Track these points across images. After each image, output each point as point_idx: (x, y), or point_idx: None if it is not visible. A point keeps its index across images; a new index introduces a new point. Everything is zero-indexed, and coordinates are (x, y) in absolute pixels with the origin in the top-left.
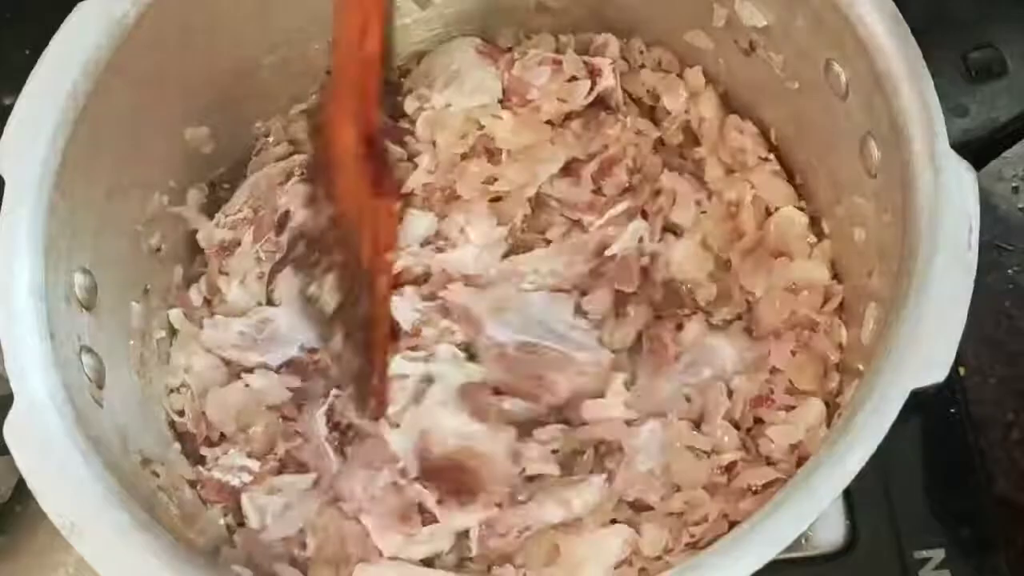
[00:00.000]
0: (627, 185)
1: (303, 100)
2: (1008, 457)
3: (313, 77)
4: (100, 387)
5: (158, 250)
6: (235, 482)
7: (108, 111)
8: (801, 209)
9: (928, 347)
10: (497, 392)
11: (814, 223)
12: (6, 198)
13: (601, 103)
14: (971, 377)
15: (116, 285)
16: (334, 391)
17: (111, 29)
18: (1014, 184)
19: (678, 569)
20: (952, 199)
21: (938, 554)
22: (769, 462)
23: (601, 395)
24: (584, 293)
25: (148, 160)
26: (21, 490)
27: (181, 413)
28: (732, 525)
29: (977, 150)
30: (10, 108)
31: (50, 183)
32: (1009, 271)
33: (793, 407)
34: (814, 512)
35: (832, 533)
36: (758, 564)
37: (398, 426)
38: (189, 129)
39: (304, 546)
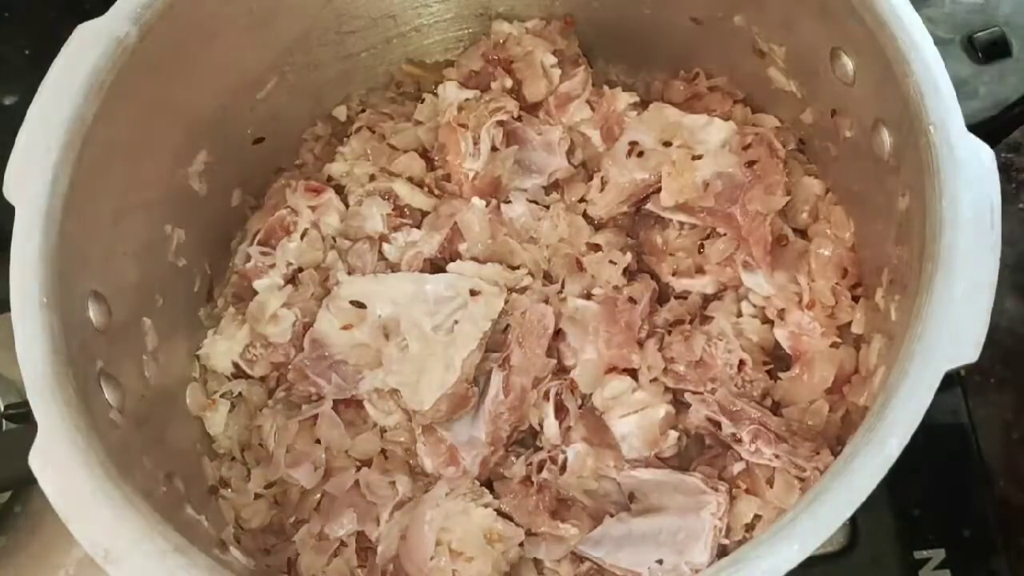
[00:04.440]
0: None
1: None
2: (1008, 457)
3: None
4: (120, 411)
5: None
6: None
7: (112, 133)
8: None
9: (959, 328)
10: None
11: None
12: (17, 225)
13: None
14: (971, 377)
15: (128, 307)
16: None
17: (112, 50)
18: (1014, 185)
19: (720, 564)
20: (971, 180)
21: (938, 554)
22: None
23: None
24: None
25: (153, 181)
26: (21, 492)
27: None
28: None
29: (988, 131)
30: (10, 108)
31: (59, 208)
32: (1009, 270)
33: None
34: (857, 500)
35: (832, 533)
36: (802, 555)
37: None
38: (192, 149)
39: None
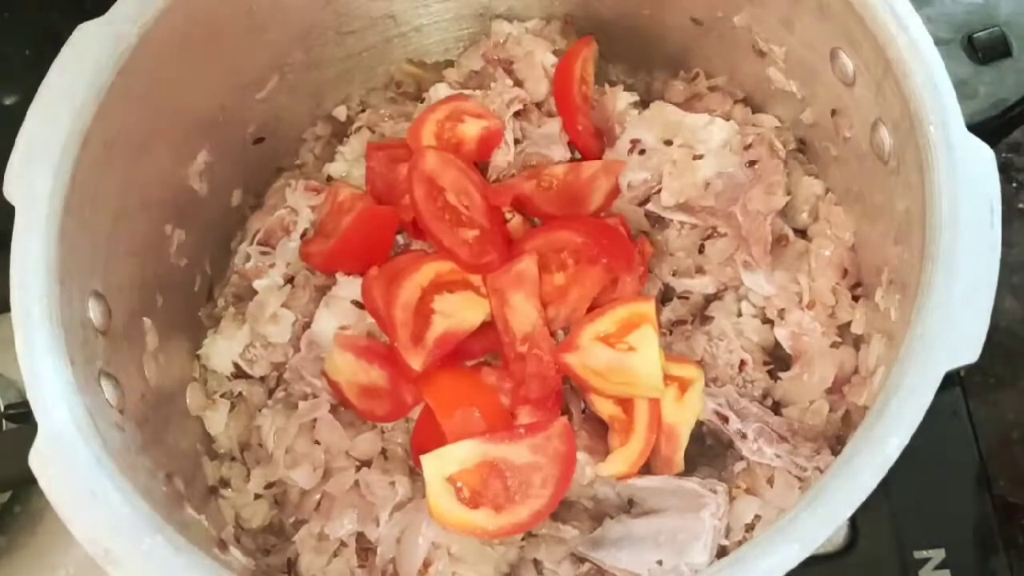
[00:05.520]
0: None
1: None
2: (1008, 457)
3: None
4: (121, 411)
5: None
6: None
7: (112, 133)
8: None
9: (959, 328)
10: None
11: None
12: (17, 225)
13: None
14: (971, 377)
15: (128, 307)
16: None
17: (112, 50)
18: (1014, 185)
19: (720, 564)
20: (971, 179)
21: (938, 554)
22: None
23: None
24: None
25: (153, 181)
26: (21, 492)
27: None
28: None
29: (988, 131)
30: (10, 108)
31: (59, 208)
32: (1009, 270)
33: None
34: (857, 499)
35: (832, 533)
36: (803, 555)
37: None
38: (192, 149)
39: None
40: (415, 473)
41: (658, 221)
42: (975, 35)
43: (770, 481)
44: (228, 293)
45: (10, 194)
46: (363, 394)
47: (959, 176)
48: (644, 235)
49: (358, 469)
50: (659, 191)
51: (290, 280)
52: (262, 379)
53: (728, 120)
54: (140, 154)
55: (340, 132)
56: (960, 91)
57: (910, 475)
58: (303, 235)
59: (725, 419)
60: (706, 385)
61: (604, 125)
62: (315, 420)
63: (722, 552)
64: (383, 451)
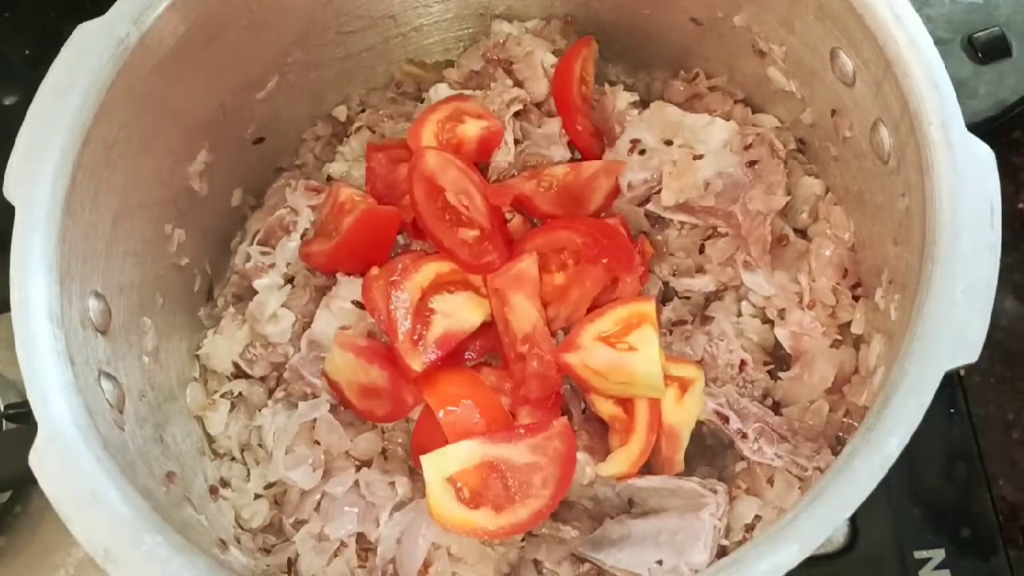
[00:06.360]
0: None
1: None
2: (1008, 457)
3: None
4: (120, 411)
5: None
6: None
7: (112, 133)
8: None
9: (959, 328)
10: None
11: None
12: (17, 225)
13: None
14: (971, 377)
15: (128, 307)
16: None
17: (113, 50)
18: (1013, 185)
19: (720, 564)
20: (971, 180)
21: (938, 554)
22: None
23: None
24: None
25: (153, 181)
26: (21, 492)
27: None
28: None
29: (988, 131)
30: (10, 108)
31: (60, 207)
32: (1009, 270)
33: None
34: (857, 499)
35: (832, 533)
36: (802, 555)
37: None
38: (192, 149)
39: None
40: (415, 473)
41: (658, 221)
42: (975, 35)
43: (770, 481)
44: (228, 293)
45: (10, 194)
46: (363, 394)
47: (959, 176)
48: (644, 235)
49: (358, 469)
50: (659, 191)
51: (290, 280)
52: (262, 379)
53: (728, 120)
54: (140, 154)
55: (340, 132)
56: (960, 91)
57: (910, 475)
58: (303, 235)
59: (725, 419)
60: (706, 385)
61: (604, 125)
62: (315, 420)
63: (722, 552)
64: (383, 451)
